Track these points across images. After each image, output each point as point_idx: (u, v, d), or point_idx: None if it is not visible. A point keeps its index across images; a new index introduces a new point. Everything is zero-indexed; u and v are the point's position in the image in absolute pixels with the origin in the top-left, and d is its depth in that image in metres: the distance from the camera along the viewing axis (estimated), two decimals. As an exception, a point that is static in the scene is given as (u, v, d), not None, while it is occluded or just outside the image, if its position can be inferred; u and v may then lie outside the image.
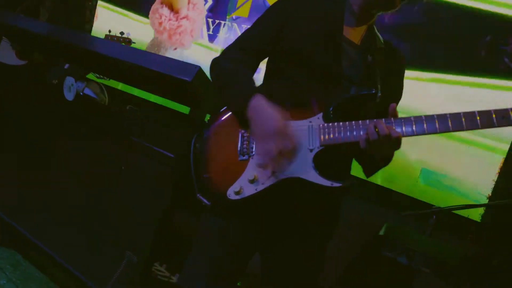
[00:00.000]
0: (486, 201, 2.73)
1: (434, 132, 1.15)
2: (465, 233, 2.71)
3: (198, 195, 1.38)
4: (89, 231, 2.11)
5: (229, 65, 1.42)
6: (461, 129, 1.11)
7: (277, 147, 1.23)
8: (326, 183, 1.23)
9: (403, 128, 1.18)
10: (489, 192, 2.77)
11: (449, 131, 1.13)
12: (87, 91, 2.36)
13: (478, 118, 1.10)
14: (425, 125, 1.16)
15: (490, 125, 1.08)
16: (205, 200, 1.36)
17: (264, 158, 1.27)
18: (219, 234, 1.39)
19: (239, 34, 5.36)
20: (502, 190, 2.73)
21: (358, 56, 1.39)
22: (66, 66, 2.72)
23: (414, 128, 1.17)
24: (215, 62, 1.46)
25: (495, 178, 2.77)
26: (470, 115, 1.11)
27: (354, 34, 1.40)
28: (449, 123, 1.13)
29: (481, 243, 2.64)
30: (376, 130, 1.18)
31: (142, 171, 2.02)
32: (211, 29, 5.02)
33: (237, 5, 4.93)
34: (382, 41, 1.46)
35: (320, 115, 1.29)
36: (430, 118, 1.15)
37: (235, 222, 1.39)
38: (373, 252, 2.15)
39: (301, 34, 1.38)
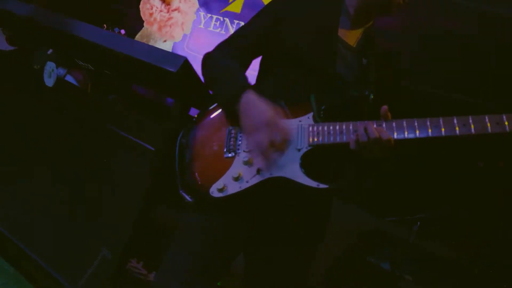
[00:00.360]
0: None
1: (426, 136, 1.10)
2: (448, 241, 2.70)
3: (180, 191, 1.35)
4: (63, 225, 2.03)
5: (221, 61, 1.41)
6: (453, 134, 1.07)
7: (267, 138, 1.20)
8: (312, 184, 1.19)
9: (394, 131, 1.14)
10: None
11: (441, 136, 1.09)
12: (69, 78, 2.27)
13: (471, 123, 1.06)
14: (417, 129, 1.12)
15: (484, 131, 1.04)
16: (187, 197, 1.33)
17: (255, 151, 1.24)
18: (201, 232, 1.36)
19: (231, 29, 5.32)
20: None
21: (353, 58, 1.38)
22: (50, 51, 2.64)
23: (405, 132, 1.13)
24: (207, 57, 1.45)
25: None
26: (463, 120, 1.07)
27: (350, 36, 1.41)
28: (442, 128, 1.09)
29: (464, 251, 2.64)
30: (366, 132, 1.15)
31: (121, 163, 1.95)
32: (202, 23, 4.96)
33: (230, 0, 4.87)
34: (380, 45, 1.45)
35: (311, 115, 1.28)
36: (422, 123, 1.12)
37: (219, 221, 1.36)
38: (356, 256, 2.13)
39: (296, 34, 1.37)
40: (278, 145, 1.21)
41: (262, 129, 1.21)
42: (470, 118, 1.06)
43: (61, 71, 2.27)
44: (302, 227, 1.39)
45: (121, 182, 1.95)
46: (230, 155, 1.31)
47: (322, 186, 1.18)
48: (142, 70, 1.89)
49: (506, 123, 1.02)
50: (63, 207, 2.07)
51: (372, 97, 1.28)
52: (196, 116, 1.46)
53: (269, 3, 1.47)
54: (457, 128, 1.07)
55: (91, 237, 1.94)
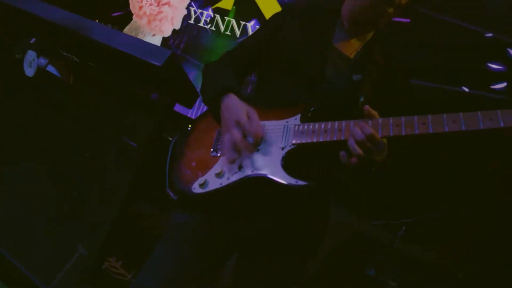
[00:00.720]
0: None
1: (412, 133, 1.07)
2: (433, 245, 2.70)
3: (167, 189, 1.36)
4: (38, 221, 1.96)
5: (217, 69, 1.49)
6: (442, 131, 1.03)
7: (235, 137, 1.23)
8: (291, 181, 1.19)
9: (379, 129, 1.12)
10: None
11: (428, 132, 1.05)
12: (50, 68, 2.19)
13: (462, 120, 1.02)
14: (403, 126, 1.08)
15: (476, 127, 1.00)
16: (172, 194, 1.34)
17: (227, 148, 1.27)
18: (189, 232, 1.35)
19: (221, 26, 5.28)
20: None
21: (348, 68, 1.41)
22: (33, 40, 2.56)
23: (390, 129, 1.10)
24: (207, 66, 1.52)
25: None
26: (453, 117, 1.03)
27: (347, 47, 1.45)
28: (430, 125, 1.05)
29: (448, 256, 2.64)
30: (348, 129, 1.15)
31: (102, 159, 1.89)
32: (192, 18, 4.90)
33: (221, -4, 4.82)
34: (382, 57, 1.46)
35: (298, 116, 1.30)
36: (409, 120, 1.09)
37: (207, 221, 1.35)
38: (340, 261, 2.10)
39: (290, 41, 1.44)
40: (246, 144, 1.24)
41: (232, 128, 1.25)
42: (461, 115, 1.02)
43: (42, 61, 2.19)
44: (297, 230, 1.38)
45: (101, 178, 1.88)
46: (216, 154, 1.34)
47: (300, 183, 1.18)
48: (127, 63, 1.83)
49: (501, 119, 0.97)
50: (39, 203, 1.99)
51: (363, 100, 1.29)
52: (194, 119, 1.52)
53: (270, 17, 1.57)
54: (446, 125, 1.03)
55: (68, 235, 1.87)
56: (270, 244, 1.37)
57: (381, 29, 1.50)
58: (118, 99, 1.97)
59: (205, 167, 1.32)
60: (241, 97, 1.32)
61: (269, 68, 1.48)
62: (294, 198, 1.31)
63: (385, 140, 1.16)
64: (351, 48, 1.45)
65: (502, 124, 0.96)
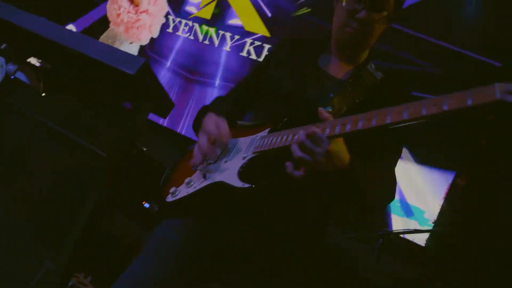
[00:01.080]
0: (431, 226, 2.77)
1: (355, 129, 1.06)
2: (410, 257, 2.72)
3: (145, 203, 1.48)
4: (1, 235, 1.86)
5: (219, 100, 1.61)
6: (383, 123, 1.01)
7: (201, 140, 1.33)
8: (238, 184, 1.24)
9: (327, 129, 1.12)
10: (434, 217, 2.82)
11: (371, 127, 1.03)
12: (20, 75, 2.12)
13: (406, 109, 0.98)
14: (348, 124, 1.08)
15: (419, 114, 0.95)
16: (153, 206, 1.37)
17: (194, 153, 1.36)
18: (185, 234, 1.40)
19: (200, 35, 5.24)
20: (447, 216, 2.79)
21: (333, 88, 1.45)
22: (3, 46, 2.48)
23: (337, 128, 1.10)
24: (214, 100, 1.64)
25: (441, 204, 2.83)
26: (398, 108, 1.00)
27: (335, 70, 1.51)
28: (374, 119, 1.03)
29: (425, 266, 2.65)
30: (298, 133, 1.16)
31: (71, 168, 1.82)
32: (171, 27, 4.87)
33: (200, 6, 4.81)
34: (378, 79, 1.47)
35: (268, 129, 1.34)
36: (354, 118, 1.08)
37: (199, 224, 1.41)
38: (316, 275, 2.07)
39: (274, 63, 1.54)
40: (210, 149, 1.32)
41: (201, 136, 1.36)
42: (407, 104, 0.98)
43: (11, 67, 2.11)
44: (294, 232, 1.39)
45: (69, 189, 1.81)
46: (196, 168, 1.40)
47: (246, 185, 1.22)
48: (99, 71, 1.78)
49: (445, 103, 0.91)
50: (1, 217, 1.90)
51: (329, 110, 1.31)
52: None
53: (267, 53, 1.72)
54: (389, 116, 1.00)
55: (33, 248, 1.78)
56: (269, 245, 1.38)
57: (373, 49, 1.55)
58: (89, 107, 1.91)
59: (182, 179, 1.39)
60: (221, 114, 1.40)
61: (259, 90, 1.55)
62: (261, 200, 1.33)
63: (339, 141, 1.16)
64: (341, 70, 1.51)
65: (445, 108, 0.91)
